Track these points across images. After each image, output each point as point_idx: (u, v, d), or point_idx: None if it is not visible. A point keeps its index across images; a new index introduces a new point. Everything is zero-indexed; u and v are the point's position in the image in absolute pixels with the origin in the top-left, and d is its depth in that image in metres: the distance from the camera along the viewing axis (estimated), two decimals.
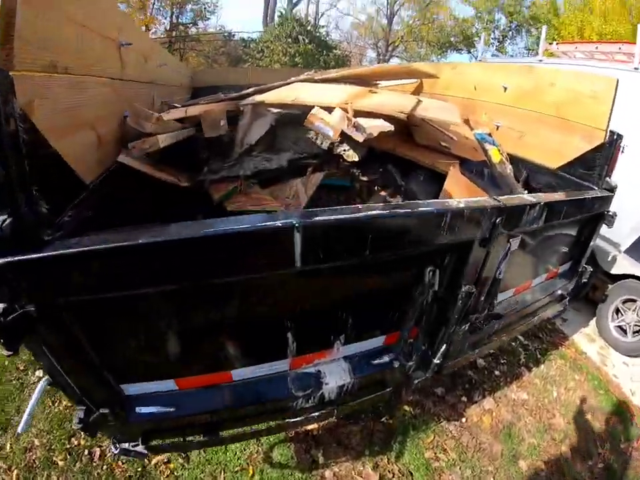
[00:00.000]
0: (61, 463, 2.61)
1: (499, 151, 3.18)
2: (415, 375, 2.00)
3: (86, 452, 2.68)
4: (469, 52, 28.76)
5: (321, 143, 2.42)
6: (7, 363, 3.40)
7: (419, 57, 29.29)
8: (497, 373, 3.32)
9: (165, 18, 26.46)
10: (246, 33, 25.88)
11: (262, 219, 1.20)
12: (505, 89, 3.08)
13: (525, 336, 3.74)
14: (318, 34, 19.34)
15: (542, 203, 1.65)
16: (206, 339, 1.57)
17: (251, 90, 3.06)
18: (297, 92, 2.51)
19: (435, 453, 2.71)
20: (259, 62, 18.48)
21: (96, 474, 2.54)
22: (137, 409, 1.62)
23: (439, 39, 27.37)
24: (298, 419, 1.91)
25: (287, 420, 1.95)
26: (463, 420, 2.92)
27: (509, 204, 1.54)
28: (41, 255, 1.09)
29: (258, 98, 2.49)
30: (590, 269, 2.63)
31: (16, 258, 1.07)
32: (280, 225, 1.16)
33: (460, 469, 2.66)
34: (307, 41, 18.01)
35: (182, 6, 27.07)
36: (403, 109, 2.24)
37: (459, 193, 2.47)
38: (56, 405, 3.03)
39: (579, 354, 3.65)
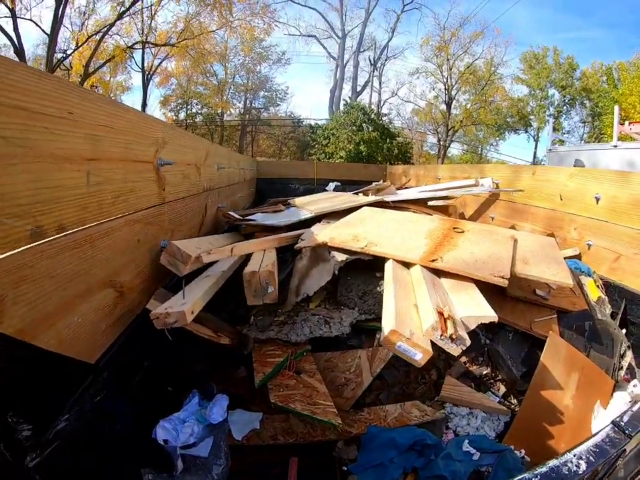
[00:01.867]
0: None
1: (596, 283, 2.60)
2: None
3: None
4: (526, 131, 29.02)
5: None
6: None
7: (478, 141, 29.59)
8: None
9: (239, 102, 29.28)
10: (313, 119, 27.91)
11: None
12: (598, 200, 2.63)
13: None
14: (381, 122, 19.96)
15: None
16: None
17: (311, 214, 2.74)
18: (366, 229, 2.12)
19: None
20: (325, 148, 19.19)
21: None
22: None
23: (496, 121, 27.91)
24: None
25: None
26: None
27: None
28: None
29: (320, 237, 2.11)
30: None
31: None
32: None
33: None
34: (370, 129, 18.52)
35: (255, 92, 29.89)
36: (503, 270, 1.76)
37: (559, 366, 1.88)
38: None
39: None
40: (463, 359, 2.15)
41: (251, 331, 1.95)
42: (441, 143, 27.76)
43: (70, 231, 1.26)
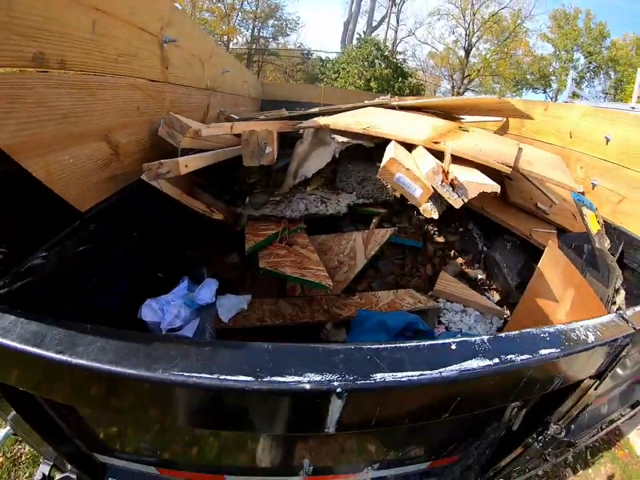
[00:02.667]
0: None
1: (597, 217, 2.62)
2: None
3: None
4: (545, 91, 27.84)
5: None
6: None
7: (493, 93, 28.57)
8: (540, 472, 2.73)
9: (247, 30, 27.67)
10: (324, 52, 26.52)
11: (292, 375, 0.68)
12: (608, 140, 2.58)
13: None
14: (395, 60, 19.28)
15: None
16: (206, 435, 1.21)
17: (316, 109, 2.63)
18: (370, 119, 2.03)
19: None
20: (334, 82, 18.58)
21: None
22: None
23: (515, 76, 26.67)
24: None
25: None
26: None
27: (630, 333, 1.00)
28: None
29: (322, 121, 2.03)
30: None
31: None
32: (324, 390, 0.66)
33: None
34: (383, 65, 17.90)
35: (264, 20, 28.18)
36: (507, 160, 1.70)
37: (556, 277, 1.90)
38: None
39: (632, 457, 3.11)
40: (459, 260, 2.16)
41: (246, 209, 1.93)
42: (455, 89, 26.77)
43: (71, 71, 1.31)
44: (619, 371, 1.26)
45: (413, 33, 28.40)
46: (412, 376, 0.70)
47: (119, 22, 1.60)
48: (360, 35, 21.64)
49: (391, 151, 1.28)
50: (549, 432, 1.18)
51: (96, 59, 1.46)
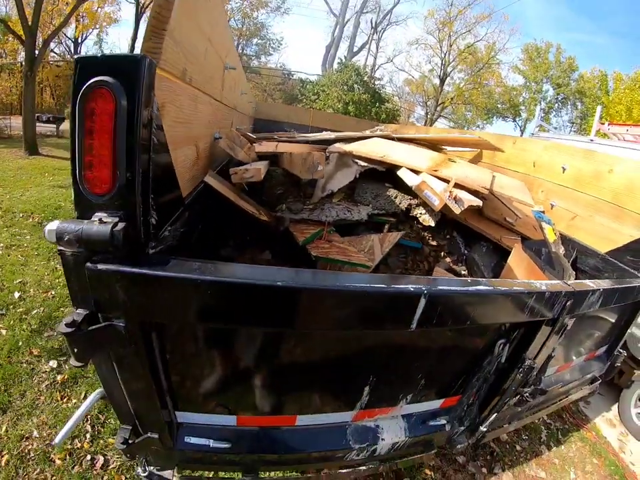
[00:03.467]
0: (58, 462, 2.49)
1: (554, 230, 3.20)
2: (458, 439, 1.99)
3: (88, 457, 2.54)
4: (514, 120, 29.27)
5: (400, 203, 2.53)
6: (20, 343, 3.39)
7: (465, 120, 30.01)
8: (518, 447, 3.22)
9: None
10: (305, 73, 27.25)
11: (390, 281, 1.24)
12: (564, 169, 3.10)
13: (548, 415, 3.66)
14: (373, 85, 19.98)
15: (601, 290, 1.72)
16: (286, 379, 1.52)
17: (332, 136, 3.21)
18: (382, 149, 2.63)
19: None
20: (312, 104, 19.03)
21: None
22: (186, 438, 1.54)
23: (486, 104, 28.05)
24: (344, 470, 1.87)
25: (332, 470, 1.92)
26: None
27: (578, 289, 1.62)
28: (156, 272, 1.01)
29: (346, 147, 2.62)
30: (624, 353, 2.64)
31: (124, 268, 0.99)
32: (412, 289, 1.17)
33: None
34: (361, 90, 18.59)
35: (249, 38, 28.84)
36: (485, 184, 2.32)
37: (521, 270, 2.48)
38: (64, 400, 2.95)
39: (599, 438, 3.55)
40: (448, 259, 2.76)
41: (285, 213, 2.45)
42: (429, 116, 27.85)
43: (191, 86, 1.62)
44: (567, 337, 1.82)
45: (392, 60, 29.77)
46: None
47: (214, 50, 1.93)
48: (341, 60, 22.42)
49: (417, 177, 1.89)
50: (525, 363, 1.70)
51: (201, 78, 1.76)
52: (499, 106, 28.95)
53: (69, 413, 2.81)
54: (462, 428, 1.93)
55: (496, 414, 1.90)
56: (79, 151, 0.96)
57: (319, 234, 2.24)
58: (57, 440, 1.37)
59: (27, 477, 2.40)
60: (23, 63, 11.08)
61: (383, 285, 1.17)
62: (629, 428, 3.73)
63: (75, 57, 0.92)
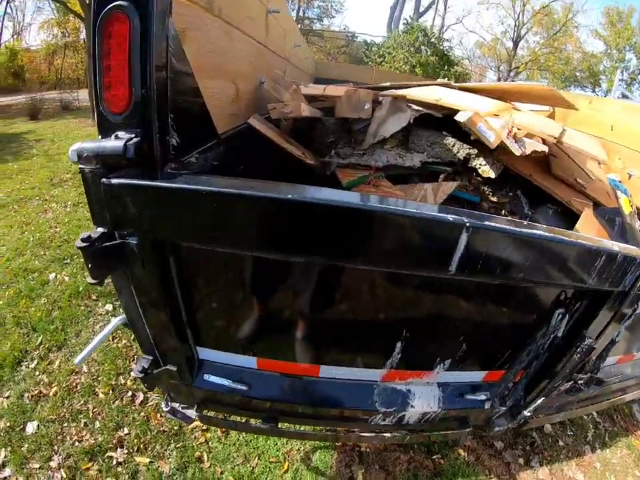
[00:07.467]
0: (101, 396, 2.67)
1: (630, 202, 2.90)
2: (497, 422, 1.78)
3: (129, 393, 2.72)
4: (594, 90, 26.82)
5: (457, 152, 2.33)
6: (81, 288, 3.68)
7: None
8: (560, 443, 2.96)
9: (293, 10, 27.71)
10: (369, 35, 26.31)
11: (427, 209, 1.06)
12: None
13: (598, 413, 3.38)
14: (441, 47, 18.99)
15: None
16: (312, 324, 1.44)
17: (387, 84, 3.03)
18: (439, 94, 2.43)
19: None
20: (379, 66, 18.33)
21: (132, 418, 2.56)
22: (205, 376, 1.52)
23: (564, 72, 26.03)
24: (367, 434, 1.78)
25: (354, 432, 1.83)
26: None
27: None
28: (168, 184, 1.01)
29: (399, 92, 2.43)
30: None
31: (136, 181, 1.01)
32: (451, 219, 1.02)
33: None
34: (429, 52, 17.80)
35: (310, 1, 28.18)
36: (553, 133, 2.08)
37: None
38: (115, 341, 3.14)
39: None
40: (510, 219, 2.55)
41: (333, 158, 2.36)
42: (501, 81, 26.18)
43: (221, 19, 1.60)
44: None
45: (461, 21, 28.19)
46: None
47: None
48: (407, 20, 21.30)
49: (475, 107, 1.70)
50: (585, 342, 1.44)
51: (236, 15, 1.77)
52: (577, 74, 26.52)
53: (117, 352, 3.02)
54: (503, 409, 1.72)
55: (543, 398, 1.66)
56: (99, 73, 1.00)
57: (366, 178, 2.13)
58: (77, 360, 1.45)
59: (71, 407, 2.59)
60: (85, 39, 11.59)
61: (415, 210, 1.02)
62: None
63: None
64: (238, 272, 1.30)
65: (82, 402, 2.62)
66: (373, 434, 1.77)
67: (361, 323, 1.44)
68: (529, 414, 1.70)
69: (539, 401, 1.66)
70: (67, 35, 22.50)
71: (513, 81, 26.24)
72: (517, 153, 1.72)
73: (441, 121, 2.42)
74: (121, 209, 1.03)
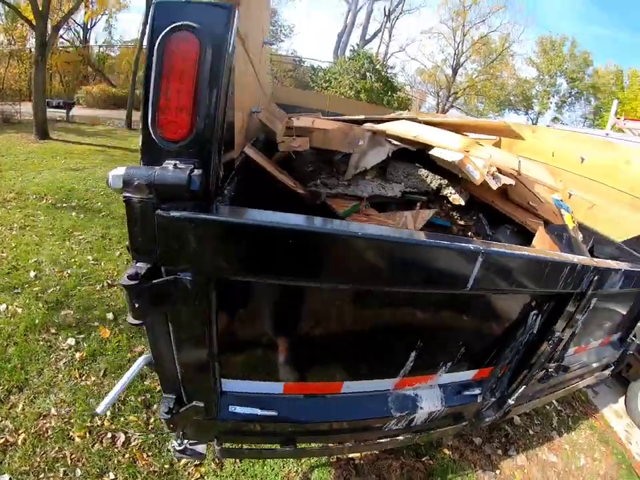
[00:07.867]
0: (78, 440, 2.41)
1: (572, 218, 3.26)
2: (487, 413, 2.05)
3: (109, 434, 2.47)
4: (526, 113, 29.04)
5: (431, 182, 2.62)
6: (37, 321, 3.30)
7: (477, 112, 29.75)
8: (531, 432, 3.32)
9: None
10: (317, 60, 26.91)
11: (448, 239, 1.23)
12: (583, 160, 3.14)
13: (559, 401, 3.76)
14: (385, 74, 19.72)
15: (622, 270, 1.78)
16: (337, 344, 1.52)
17: (361, 117, 3.30)
18: (415, 129, 2.71)
19: None
20: (324, 91, 18.71)
21: (116, 461, 2.33)
22: (231, 407, 1.49)
23: (499, 96, 27.88)
24: (382, 440, 1.89)
25: (371, 440, 1.92)
26: (497, 472, 2.89)
27: (603, 266, 1.69)
28: (237, 220, 0.98)
29: (377, 127, 2.69)
30: (636, 341, 2.68)
31: (202, 215, 0.95)
32: (472, 248, 1.24)
33: None
34: (374, 78, 18.42)
35: None
36: (513, 166, 2.41)
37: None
38: (83, 378, 2.86)
39: (607, 427, 3.66)
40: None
41: (319, 188, 2.54)
42: (440, 106, 27.63)
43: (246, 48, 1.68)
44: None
45: (404, 49, 29.26)
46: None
47: (258, 25, 2.05)
48: (353, 47, 22.34)
49: (458, 154, 2.00)
50: (555, 335, 1.77)
51: (252, 45, 1.84)
52: (512, 98, 28.81)
53: (87, 390, 2.74)
54: (492, 399, 1.98)
55: (524, 387, 1.95)
56: (154, 94, 0.92)
57: (357, 207, 2.33)
58: (99, 409, 1.32)
59: (44, 455, 2.31)
60: (33, 49, 11.01)
61: (446, 242, 1.20)
62: (635, 421, 3.80)
63: (154, 1, 0.89)
64: (275, 302, 1.33)
65: (56, 448, 2.35)
66: (387, 439, 1.90)
67: (382, 338, 1.56)
68: (512, 402, 1.99)
69: (521, 389, 1.95)
70: (12, 42, 21.14)
71: (452, 105, 28.03)
72: (494, 187, 2.02)
73: (413, 153, 2.70)
74: (179, 243, 0.97)
